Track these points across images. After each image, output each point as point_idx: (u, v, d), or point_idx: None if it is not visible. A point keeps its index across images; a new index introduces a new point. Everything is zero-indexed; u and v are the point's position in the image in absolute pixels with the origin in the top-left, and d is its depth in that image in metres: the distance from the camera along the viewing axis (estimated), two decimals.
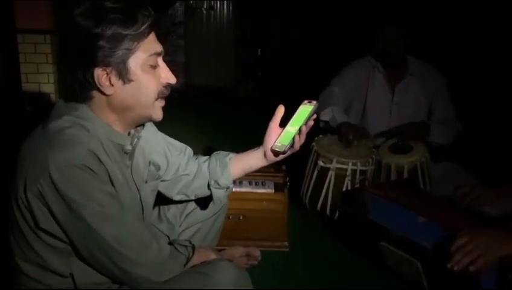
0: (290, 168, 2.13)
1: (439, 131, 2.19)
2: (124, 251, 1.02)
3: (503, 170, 1.98)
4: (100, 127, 1.05)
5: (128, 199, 1.11)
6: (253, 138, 1.41)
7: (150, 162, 1.26)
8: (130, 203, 1.12)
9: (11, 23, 3.71)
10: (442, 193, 1.86)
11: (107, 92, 1.04)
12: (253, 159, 1.33)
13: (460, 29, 3.58)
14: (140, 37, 1.02)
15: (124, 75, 1.03)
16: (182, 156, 1.40)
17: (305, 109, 1.23)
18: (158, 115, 1.12)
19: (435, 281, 1.49)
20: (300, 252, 2.02)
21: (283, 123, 1.25)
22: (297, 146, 1.23)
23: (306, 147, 1.53)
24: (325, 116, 2.27)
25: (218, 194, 1.37)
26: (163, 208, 1.50)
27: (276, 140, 1.24)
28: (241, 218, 2.01)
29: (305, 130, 1.21)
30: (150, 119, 1.14)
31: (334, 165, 2.02)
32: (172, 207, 1.50)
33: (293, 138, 1.20)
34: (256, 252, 1.41)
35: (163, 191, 1.38)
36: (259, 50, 5.95)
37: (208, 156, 1.41)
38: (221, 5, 6.06)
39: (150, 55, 1.05)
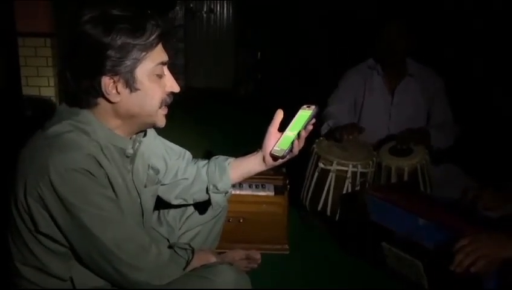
0: (290, 170, 2.13)
1: (438, 137, 2.19)
2: (123, 255, 1.02)
3: (502, 172, 1.98)
4: (101, 131, 1.06)
5: (128, 203, 1.11)
6: (253, 140, 1.41)
7: (149, 166, 1.26)
8: (130, 208, 1.12)
9: (11, 27, 3.72)
10: (444, 195, 1.86)
11: (113, 100, 1.04)
12: (252, 164, 1.33)
13: (461, 29, 3.58)
14: (148, 47, 1.03)
15: (131, 84, 1.03)
16: (180, 160, 1.40)
17: (304, 114, 1.22)
18: (161, 122, 1.13)
19: (436, 282, 1.49)
20: (301, 255, 2.02)
21: (282, 127, 1.25)
22: (296, 151, 1.23)
23: (305, 151, 1.53)
24: (323, 131, 2.31)
25: (217, 198, 1.36)
26: (163, 211, 1.50)
27: (275, 144, 1.24)
28: (241, 221, 2.01)
29: (304, 134, 1.22)
30: (154, 126, 1.15)
31: (335, 167, 2.02)
32: (172, 210, 1.50)
33: (292, 143, 1.20)
34: (257, 255, 1.41)
35: (161, 195, 1.38)
36: (259, 52, 5.96)
37: (206, 161, 1.41)
38: (221, 7, 6.08)
39: (157, 65, 1.06)
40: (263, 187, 2.05)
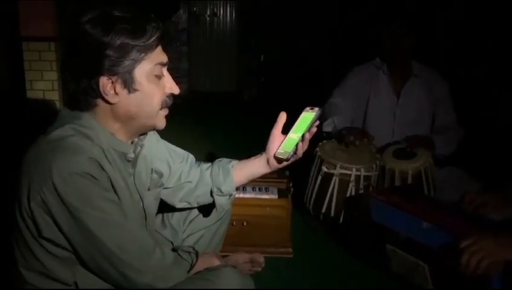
0: (293, 174, 2.13)
1: (443, 146, 2.19)
2: (127, 258, 1.02)
3: (505, 174, 1.98)
4: (103, 135, 1.06)
5: (131, 207, 1.11)
6: (257, 143, 1.41)
7: (152, 170, 1.26)
8: (133, 211, 1.12)
9: (15, 31, 3.75)
10: (447, 198, 1.86)
11: (112, 101, 1.04)
12: (256, 167, 1.33)
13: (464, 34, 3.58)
14: (148, 48, 1.03)
15: (129, 84, 1.03)
16: (184, 163, 1.40)
17: (307, 116, 1.22)
18: (161, 124, 1.13)
19: (441, 284, 1.49)
20: (304, 258, 2.01)
21: (286, 130, 1.25)
22: (300, 153, 1.23)
23: (309, 154, 1.53)
24: (327, 127, 2.29)
25: (221, 201, 1.36)
26: (167, 214, 1.50)
27: (279, 147, 1.24)
28: (244, 224, 2.01)
29: (308, 137, 1.21)
30: (154, 128, 1.15)
31: (338, 170, 2.02)
32: (176, 213, 1.50)
33: (296, 145, 1.20)
34: (260, 258, 1.41)
35: (165, 198, 1.38)
36: (262, 55, 5.97)
37: (210, 163, 1.41)
38: (225, 11, 6.09)
39: (156, 65, 1.06)
40: (267, 190, 2.05)
